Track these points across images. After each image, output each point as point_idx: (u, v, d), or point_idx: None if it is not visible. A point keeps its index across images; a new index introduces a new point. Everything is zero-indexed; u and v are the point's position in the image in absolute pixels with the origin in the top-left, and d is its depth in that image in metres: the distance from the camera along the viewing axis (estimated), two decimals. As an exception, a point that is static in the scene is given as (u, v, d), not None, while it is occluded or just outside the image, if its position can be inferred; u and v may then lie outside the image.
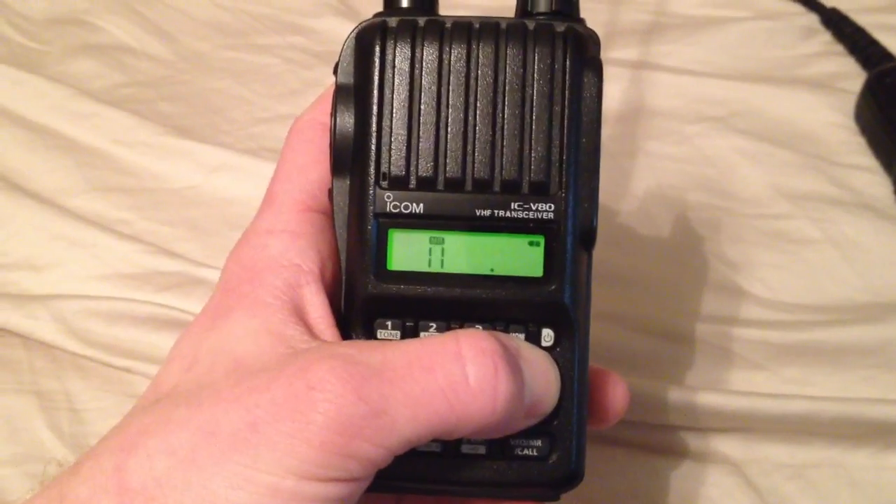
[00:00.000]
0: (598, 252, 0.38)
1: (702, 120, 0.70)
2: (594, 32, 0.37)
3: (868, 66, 0.71)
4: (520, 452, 0.36)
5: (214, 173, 0.68)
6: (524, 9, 0.38)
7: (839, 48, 0.74)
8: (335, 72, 0.37)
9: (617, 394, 0.40)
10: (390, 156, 0.35)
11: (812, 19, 0.76)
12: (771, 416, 0.53)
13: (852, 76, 0.71)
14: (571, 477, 0.37)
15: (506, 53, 0.35)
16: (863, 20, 0.74)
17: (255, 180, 0.68)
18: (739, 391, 0.55)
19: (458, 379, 0.31)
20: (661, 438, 0.54)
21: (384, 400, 0.31)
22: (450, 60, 0.35)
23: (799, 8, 0.77)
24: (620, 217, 0.64)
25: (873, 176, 0.66)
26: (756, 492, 0.52)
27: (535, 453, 0.36)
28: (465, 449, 0.36)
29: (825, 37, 0.75)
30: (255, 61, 0.78)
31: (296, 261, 0.36)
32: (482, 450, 0.36)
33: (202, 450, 0.30)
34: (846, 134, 0.68)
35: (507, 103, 0.35)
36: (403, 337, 0.36)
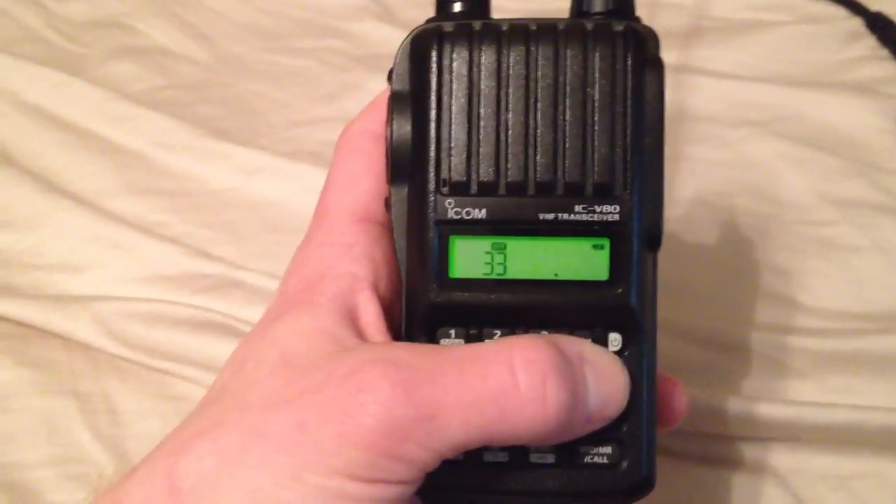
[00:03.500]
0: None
1: (745, 125, 0.69)
2: (652, 30, 0.36)
3: (914, 70, 0.70)
4: (589, 460, 0.36)
5: (253, 176, 0.68)
6: (579, 9, 0.37)
7: (884, 52, 0.73)
8: (389, 78, 0.37)
9: (680, 398, 0.39)
10: (450, 161, 0.35)
11: (856, 23, 0.75)
12: (816, 425, 0.52)
13: (897, 81, 0.70)
14: (643, 484, 0.36)
15: (565, 54, 0.35)
16: (908, 24, 0.73)
17: (293, 183, 0.68)
18: (785, 400, 0.54)
19: (509, 387, 0.31)
20: (707, 448, 0.54)
21: (434, 404, 0.31)
22: (508, 63, 0.35)
23: (843, 12, 0.76)
24: (665, 224, 0.63)
25: (919, 182, 0.65)
26: (801, 502, 0.51)
27: (605, 461, 0.36)
28: (534, 458, 0.36)
29: (870, 41, 0.74)
30: (293, 64, 0.78)
31: (350, 269, 0.36)
32: (551, 458, 0.36)
33: (251, 450, 0.31)
34: (892, 139, 0.67)
35: (568, 105, 0.35)
36: None
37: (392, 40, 0.79)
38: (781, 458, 0.53)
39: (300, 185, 0.67)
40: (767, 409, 0.53)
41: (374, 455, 0.30)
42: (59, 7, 0.82)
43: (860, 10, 0.75)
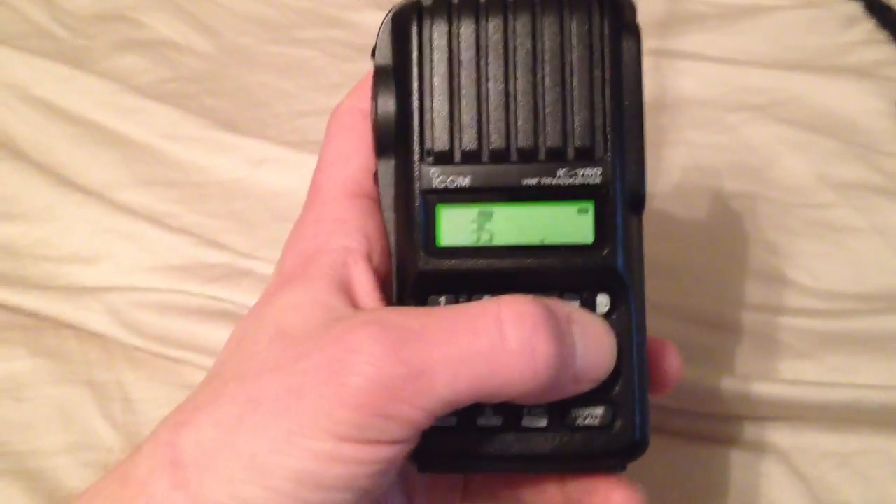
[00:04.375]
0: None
1: (744, 109, 0.70)
2: None
3: (912, 53, 0.71)
4: (582, 423, 0.36)
5: (259, 166, 0.69)
6: None
7: (882, 36, 0.73)
8: (373, 55, 0.37)
9: (672, 361, 0.39)
10: (433, 132, 0.35)
11: (854, 7, 0.76)
12: (817, 404, 0.53)
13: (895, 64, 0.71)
14: (637, 445, 0.36)
15: (543, 22, 0.35)
16: (906, 7, 0.74)
17: (299, 173, 0.68)
18: (785, 379, 0.55)
19: (498, 340, 0.31)
20: (707, 427, 0.54)
21: (423, 362, 0.31)
22: (487, 33, 0.35)
23: (841, -5, 0.77)
24: (664, 206, 0.64)
25: (917, 164, 0.65)
26: (803, 480, 0.52)
27: (597, 422, 0.36)
28: (526, 422, 0.36)
29: (868, 25, 0.74)
30: (298, 55, 0.79)
31: (343, 243, 0.36)
32: (543, 422, 0.36)
33: (247, 418, 0.31)
34: (890, 122, 0.68)
35: (547, 71, 0.35)
36: None
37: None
38: (783, 436, 0.54)
39: (307, 175, 0.67)
40: (768, 389, 0.53)
41: (365, 415, 0.30)
42: (63, 1, 0.83)
43: (858, -6, 0.76)
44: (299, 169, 0.68)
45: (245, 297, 0.60)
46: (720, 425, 0.55)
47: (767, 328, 0.58)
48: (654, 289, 0.57)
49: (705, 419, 0.54)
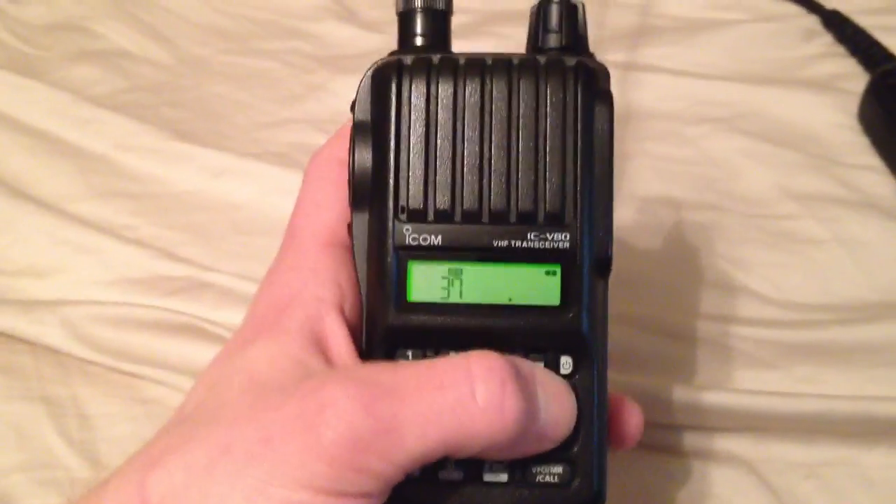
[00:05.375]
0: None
1: (704, 121, 0.70)
2: (604, 66, 0.38)
3: (870, 66, 0.71)
4: (541, 479, 0.36)
5: (218, 178, 0.68)
6: (535, 45, 0.39)
7: (840, 49, 0.74)
8: (352, 109, 0.38)
9: (633, 419, 0.40)
10: (408, 190, 0.36)
11: (813, 21, 0.76)
12: (784, 414, 0.53)
13: (854, 77, 0.72)
14: (593, 501, 0.37)
15: (519, 88, 0.36)
16: (863, 21, 0.74)
17: (259, 184, 0.68)
18: (752, 390, 0.55)
19: (467, 396, 0.32)
20: (672, 439, 0.54)
21: (394, 417, 0.31)
22: (464, 96, 0.36)
23: (799, 10, 0.77)
24: (625, 219, 0.64)
25: (878, 175, 0.66)
26: (771, 491, 0.52)
27: (556, 480, 0.36)
28: (487, 477, 0.36)
29: (826, 38, 0.75)
30: (256, 66, 0.78)
31: (317, 294, 0.37)
32: (504, 477, 0.36)
33: (218, 465, 0.31)
34: (850, 134, 0.68)
35: (521, 136, 0.36)
36: None
37: (354, 40, 0.79)
38: (751, 447, 0.54)
39: (267, 187, 0.67)
40: (735, 400, 0.53)
41: (337, 468, 0.31)
42: (16, 10, 0.82)
43: (816, 8, 0.77)
44: (259, 181, 0.68)
45: (205, 310, 0.59)
46: (685, 437, 0.54)
47: (731, 339, 0.58)
48: (616, 299, 0.57)
49: (669, 430, 0.54)
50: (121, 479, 0.33)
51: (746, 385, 0.56)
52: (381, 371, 0.33)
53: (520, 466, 0.36)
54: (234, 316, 0.58)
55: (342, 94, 0.75)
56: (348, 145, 0.37)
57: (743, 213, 0.65)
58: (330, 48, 0.79)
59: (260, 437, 0.31)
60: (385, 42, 0.78)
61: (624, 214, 0.64)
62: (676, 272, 0.61)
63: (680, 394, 0.53)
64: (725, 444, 0.54)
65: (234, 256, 0.64)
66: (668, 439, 0.54)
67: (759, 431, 0.54)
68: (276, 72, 0.77)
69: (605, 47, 0.73)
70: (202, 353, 0.56)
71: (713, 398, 0.53)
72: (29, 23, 0.81)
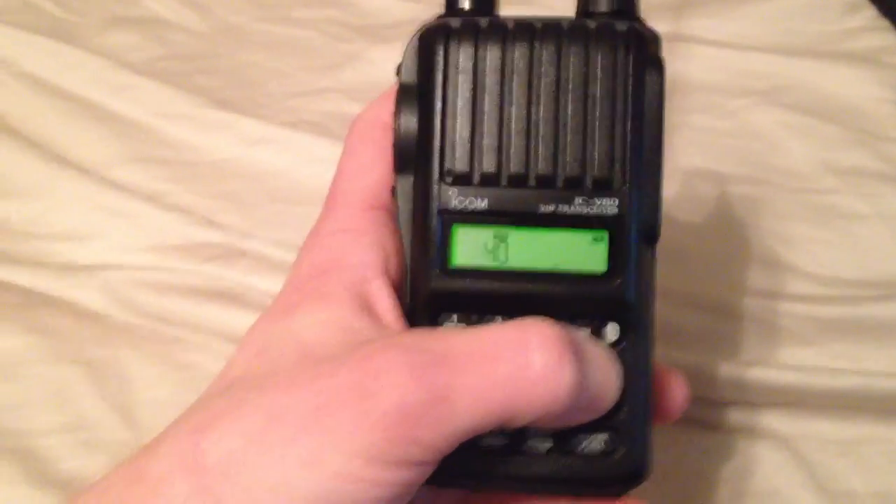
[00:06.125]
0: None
1: (746, 94, 0.69)
2: (655, 31, 0.37)
3: (914, 41, 0.71)
4: (585, 448, 0.36)
5: (254, 146, 0.68)
6: (585, 9, 0.38)
7: (884, 23, 0.73)
8: (398, 72, 0.38)
9: (679, 391, 0.40)
10: (454, 153, 0.36)
11: (856, -6, 0.75)
12: (821, 391, 0.53)
13: (897, 51, 0.71)
14: (636, 474, 0.37)
15: (568, 52, 0.36)
16: (907, -5, 0.73)
17: (294, 153, 0.68)
18: (789, 366, 0.54)
19: (523, 365, 0.31)
20: (711, 413, 0.54)
21: (446, 387, 0.31)
22: (512, 60, 0.36)
23: (842, -18, 0.76)
24: (666, 192, 0.63)
25: (920, 151, 0.65)
26: (807, 467, 0.52)
27: (600, 449, 0.36)
28: (530, 444, 0.36)
29: (870, 11, 0.74)
30: (292, 34, 0.78)
31: (362, 257, 0.36)
32: (547, 445, 0.36)
33: (272, 432, 0.31)
34: (892, 108, 0.68)
35: (569, 101, 0.36)
36: None
37: (391, 9, 0.79)
38: (787, 423, 0.54)
39: (302, 156, 0.67)
40: (772, 375, 0.53)
41: (389, 438, 0.30)
42: (52, -24, 0.82)
43: (860, -19, 0.76)
44: (294, 149, 0.68)
45: (242, 276, 0.59)
46: (723, 412, 0.54)
47: (771, 315, 0.57)
48: (658, 273, 0.57)
49: (708, 406, 0.54)
50: (172, 440, 0.32)
51: (783, 361, 0.55)
52: (434, 338, 0.33)
53: (563, 434, 0.36)
54: (270, 283, 0.59)
55: (378, 63, 0.74)
56: (393, 108, 0.37)
57: (784, 187, 0.64)
58: (366, 16, 0.79)
59: (313, 406, 0.31)
60: (423, 10, 0.78)
61: (665, 187, 0.64)
62: (717, 246, 0.61)
63: (720, 369, 0.53)
64: (763, 419, 0.54)
65: (269, 224, 0.64)
66: (707, 414, 0.54)
67: (796, 407, 0.54)
68: (311, 40, 0.77)
69: (647, 17, 0.72)
70: (239, 319, 0.57)
71: (752, 374, 0.53)
72: (66, -12, 0.81)
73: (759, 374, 0.53)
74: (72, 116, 0.70)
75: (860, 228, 0.61)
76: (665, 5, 0.75)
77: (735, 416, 0.54)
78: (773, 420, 0.54)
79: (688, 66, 0.71)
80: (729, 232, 0.62)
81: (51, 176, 0.65)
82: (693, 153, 0.66)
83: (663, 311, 0.55)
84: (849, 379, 0.53)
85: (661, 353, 0.50)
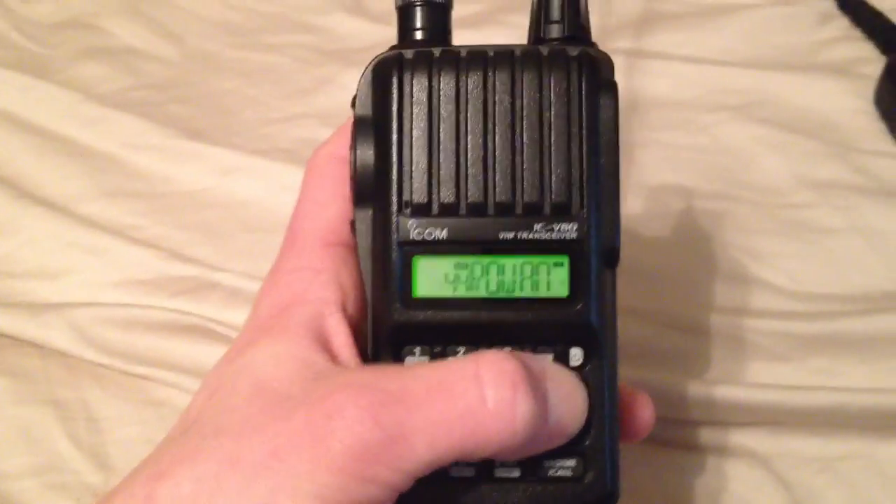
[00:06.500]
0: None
1: (719, 109, 0.69)
2: (607, 55, 0.37)
3: (887, 50, 0.70)
4: (553, 474, 0.36)
5: (227, 175, 0.68)
6: (537, 36, 0.38)
7: (856, 33, 0.73)
8: (353, 105, 0.38)
9: (645, 410, 0.40)
10: (412, 184, 0.36)
11: (828, 5, 0.75)
12: (798, 408, 0.52)
13: (871, 61, 0.70)
14: (607, 497, 0.37)
15: (522, 79, 0.36)
16: (879, 4, 0.73)
17: (268, 181, 0.67)
18: (766, 384, 0.54)
19: (477, 401, 0.32)
20: (686, 434, 0.54)
21: (402, 425, 0.31)
22: (467, 88, 0.36)
23: (814, -7, 0.76)
24: (638, 209, 0.63)
25: (895, 162, 0.65)
26: (785, 486, 0.52)
27: (569, 474, 0.36)
28: (499, 472, 0.36)
29: (842, 22, 0.74)
30: (265, 60, 0.78)
31: (319, 294, 0.36)
32: (516, 473, 0.36)
33: (227, 477, 0.31)
34: (866, 120, 0.67)
35: (525, 127, 0.36)
36: None
37: (363, 33, 0.79)
38: (765, 441, 0.53)
39: (276, 184, 0.67)
40: (750, 394, 0.53)
41: (345, 478, 0.30)
42: (23, 8, 0.81)
43: (831, -9, 0.75)
44: (268, 178, 0.67)
45: (213, 310, 0.59)
46: (699, 431, 0.54)
47: (747, 332, 0.57)
48: (626, 293, 0.57)
49: (683, 426, 0.54)
50: (128, 489, 0.32)
51: (761, 379, 0.55)
52: (388, 376, 0.33)
53: (531, 461, 0.36)
54: (242, 316, 0.57)
55: (351, 88, 0.73)
56: (349, 142, 0.37)
57: (758, 202, 0.64)
58: (338, 41, 0.79)
59: (268, 449, 0.31)
60: (394, 34, 0.78)
61: (635, 205, 0.63)
62: (689, 263, 0.61)
63: (693, 388, 0.53)
64: (739, 438, 0.53)
65: (243, 255, 0.63)
66: (682, 434, 0.53)
67: (774, 425, 0.53)
68: (284, 66, 0.77)
69: (615, 35, 0.72)
70: (211, 354, 0.55)
71: (727, 392, 0.53)
72: (37, 21, 0.81)
73: (732, 392, 0.53)
74: (42, 152, 0.70)
75: (836, 242, 0.61)
76: (634, 21, 0.75)
77: (709, 436, 0.54)
78: (749, 438, 0.53)
79: (659, 82, 0.70)
80: (700, 248, 0.61)
81: (20, 213, 0.65)
82: (664, 170, 0.65)
83: (633, 330, 0.55)
84: (826, 395, 0.52)
85: (631, 374, 0.50)
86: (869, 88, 0.68)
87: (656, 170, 0.65)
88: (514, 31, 0.73)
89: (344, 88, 0.74)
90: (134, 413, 0.55)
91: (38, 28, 0.80)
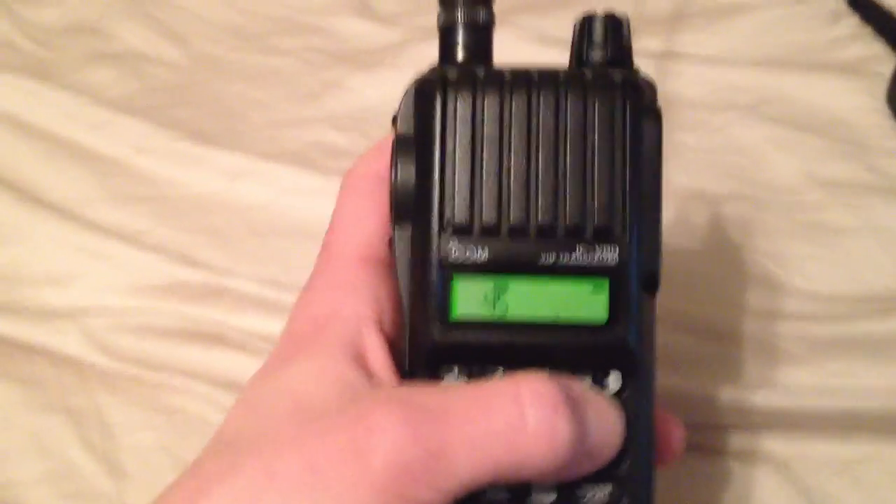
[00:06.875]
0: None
1: (731, 109, 0.69)
2: (651, 82, 0.37)
3: (898, 48, 0.70)
4: (590, 499, 0.36)
5: (235, 179, 0.68)
6: (579, 59, 0.38)
7: (867, 31, 0.72)
8: (394, 122, 0.37)
9: (676, 435, 0.40)
10: (453, 203, 0.35)
11: (838, 3, 0.74)
12: (815, 411, 0.52)
13: (882, 59, 0.70)
14: None
15: (566, 102, 0.36)
16: (890, 2, 0.73)
17: (277, 185, 0.67)
18: (782, 386, 0.54)
19: (517, 422, 0.31)
20: (704, 437, 0.53)
21: (442, 443, 0.31)
22: (511, 109, 0.36)
23: (824, -9, 0.76)
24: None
25: (908, 160, 0.65)
26: (802, 489, 0.51)
27: (605, 500, 0.36)
28: (535, 498, 0.36)
29: (853, 20, 0.73)
30: (272, 63, 0.77)
31: (356, 310, 0.36)
32: (552, 498, 0.36)
33: (265, 493, 0.31)
34: (879, 118, 0.67)
35: (568, 150, 0.35)
36: None
37: (371, 35, 0.78)
38: (781, 445, 0.53)
39: (284, 187, 0.67)
40: (766, 397, 0.53)
41: (385, 496, 0.30)
42: (29, 13, 0.81)
43: (841, -12, 0.75)
44: (277, 181, 0.67)
45: (224, 315, 0.58)
46: (716, 435, 0.53)
47: (761, 334, 0.56)
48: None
49: (701, 429, 0.53)
50: None
51: (776, 382, 0.54)
52: (428, 394, 0.33)
53: (567, 487, 0.35)
54: (252, 321, 0.58)
55: (358, 91, 0.74)
56: (389, 159, 0.37)
57: (771, 202, 0.63)
58: (346, 43, 0.78)
59: (306, 466, 0.31)
60: (401, 36, 0.78)
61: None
62: (703, 265, 0.60)
63: (708, 392, 0.53)
64: (755, 442, 0.53)
65: (252, 259, 0.63)
66: (697, 438, 0.53)
67: (790, 428, 0.53)
68: (292, 69, 0.76)
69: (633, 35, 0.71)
70: (222, 360, 0.56)
71: (742, 396, 0.53)
72: (43, 25, 0.80)
73: (754, 396, 0.53)
74: (49, 156, 0.69)
75: (850, 242, 0.61)
76: (653, 21, 0.75)
77: (729, 440, 0.53)
78: (769, 443, 0.53)
79: (672, 82, 0.70)
80: (715, 250, 0.61)
81: (28, 219, 0.65)
82: (678, 171, 0.65)
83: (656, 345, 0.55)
84: (843, 398, 0.52)
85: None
86: (880, 87, 0.68)
87: (670, 171, 0.64)
88: (524, 33, 0.74)
89: (351, 91, 0.74)
90: (146, 419, 0.55)
91: (43, 32, 0.80)
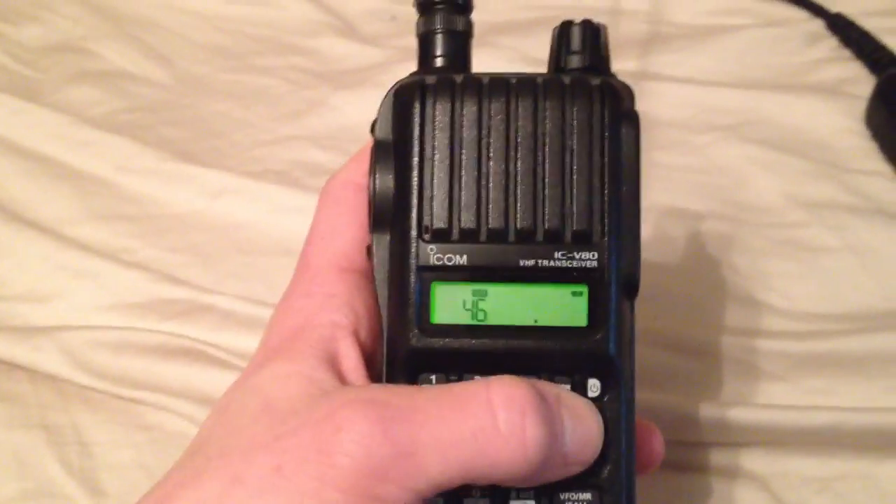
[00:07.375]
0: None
1: (711, 129, 0.69)
2: (628, 86, 0.37)
3: (876, 70, 0.71)
4: None
5: (219, 197, 0.68)
6: (557, 65, 0.38)
7: (846, 53, 0.73)
8: (372, 130, 0.37)
9: (656, 443, 0.40)
10: (432, 209, 0.36)
11: (817, 25, 0.76)
12: (795, 428, 0.52)
13: (860, 81, 0.71)
14: None
15: (544, 107, 0.36)
16: (868, 24, 0.74)
17: (260, 203, 0.67)
18: (762, 404, 0.54)
19: (488, 424, 0.31)
20: (684, 455, 0.53)
21: (412, 442, 0.31)
22: (489, 115, 0.36)
23: (803, 14, 0.77)
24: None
25: (886, 181, 0.65)
26: (783, 506, 0.51)
27: None
28: (514, 503, 0.36)
29: (831, 42, 0.74)
30: (256, 83, 0.78)
31: (331, 318, 0.36)
32: None
33: (231, 497, 0.31)
34: (857, 139, 0.67)
35: (546, 156, 0.36)
36: None
37: (354, 55, 0.79)
38: (762, 462, 0.53)
39: (267, 206, 0.67)
40: (746, 414, 0.53)
41: (353, 496, 0.30)
42: (14, 32, 0.81)
43: (820, 12, 0.76)
44: (260, 200, 0.67)
45: (206, 333, 0.58)
46: (697, 452, 0.53)
47: (742, 352, 0.57)
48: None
49: (681, 447, 0.53)
50: None
51: (756, 399, 0.55)
52: (398, 393, 0.32)
53: (547, 493, 0.35)
54: (235, 338, 0.58)
55: (342, 110, 0.74)
56: (367, 166, 0.37)
57: (751, 222, 0.64)
58: (329, 63, 0.79)
59: (273, 466, 0.31)
60: (384, 56, 0.78)
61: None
62: (683, 284, 0.60)
63: (688, 409, 0.52)
64: (736, 459, 0.53)
65: (235, 277, 0.63)
66: (678, 455, 0.53)
67: (770, 446, 0.53)
68: (275, 88, 0.77)
69: (614, 56, 0.72)
70: (203, 377, 0.56)
71: (722, 413, 0.52)
72: (27, 44, 0.80)
73: (734, 413, 0.52)
74: (33, 175, 0.69)
75: (829, 261, 0.61)
76: (631, 43, 0.75)
77: (710, 457, 0.53)
78: (746, 459, 0.53)
79: (653, 103, 0.71)
80: (695, 269, 0.61)
81: (11, 236, 0.64)
82: (659, 190, 0.65)
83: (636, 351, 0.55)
84: (823, 415, 0.52)
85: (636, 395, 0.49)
86: (859, 108, 0.68)
87: (650, 190, 0.65)
88: (505, 53, 0.75)
89: (335, 110, 0.74)
90: (126, 437, 0.55)
91: (27, 51, 0.80)
